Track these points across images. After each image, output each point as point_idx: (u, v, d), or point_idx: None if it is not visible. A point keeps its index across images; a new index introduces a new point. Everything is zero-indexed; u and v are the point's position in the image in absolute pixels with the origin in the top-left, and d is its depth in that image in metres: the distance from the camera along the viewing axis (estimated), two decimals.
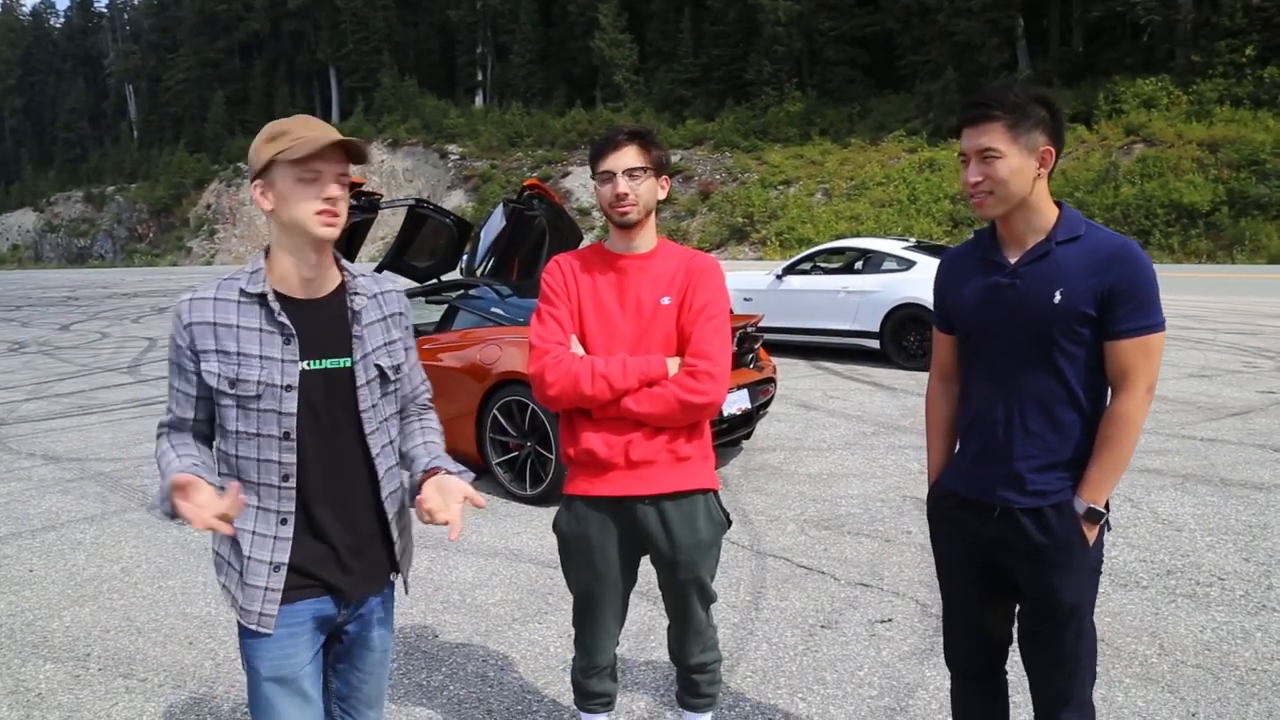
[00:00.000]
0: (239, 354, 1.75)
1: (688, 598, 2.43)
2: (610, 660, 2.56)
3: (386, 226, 37.82)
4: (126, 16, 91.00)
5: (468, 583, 4.22)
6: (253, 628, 1.79)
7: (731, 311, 3.13)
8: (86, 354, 13.83)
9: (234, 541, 1.81)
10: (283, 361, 1.77)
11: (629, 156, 2.27)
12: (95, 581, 4.37)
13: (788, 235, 34.50)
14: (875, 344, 10.09)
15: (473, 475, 1.90)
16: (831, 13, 42.52)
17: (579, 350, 2.33)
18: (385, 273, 6.59)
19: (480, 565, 4.44)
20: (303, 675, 1.85)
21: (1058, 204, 1.97)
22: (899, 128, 37.15)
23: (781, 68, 44.53)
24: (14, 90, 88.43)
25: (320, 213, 1.75)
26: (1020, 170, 1.88)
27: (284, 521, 1.80)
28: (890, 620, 3.64)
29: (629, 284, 2.34)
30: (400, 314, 1.98)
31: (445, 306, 6.65)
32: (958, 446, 2.17)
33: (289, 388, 1.78)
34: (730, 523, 2.46)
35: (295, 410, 1.78)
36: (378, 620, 1.99)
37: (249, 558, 1.79)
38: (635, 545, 2.40)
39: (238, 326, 1.76)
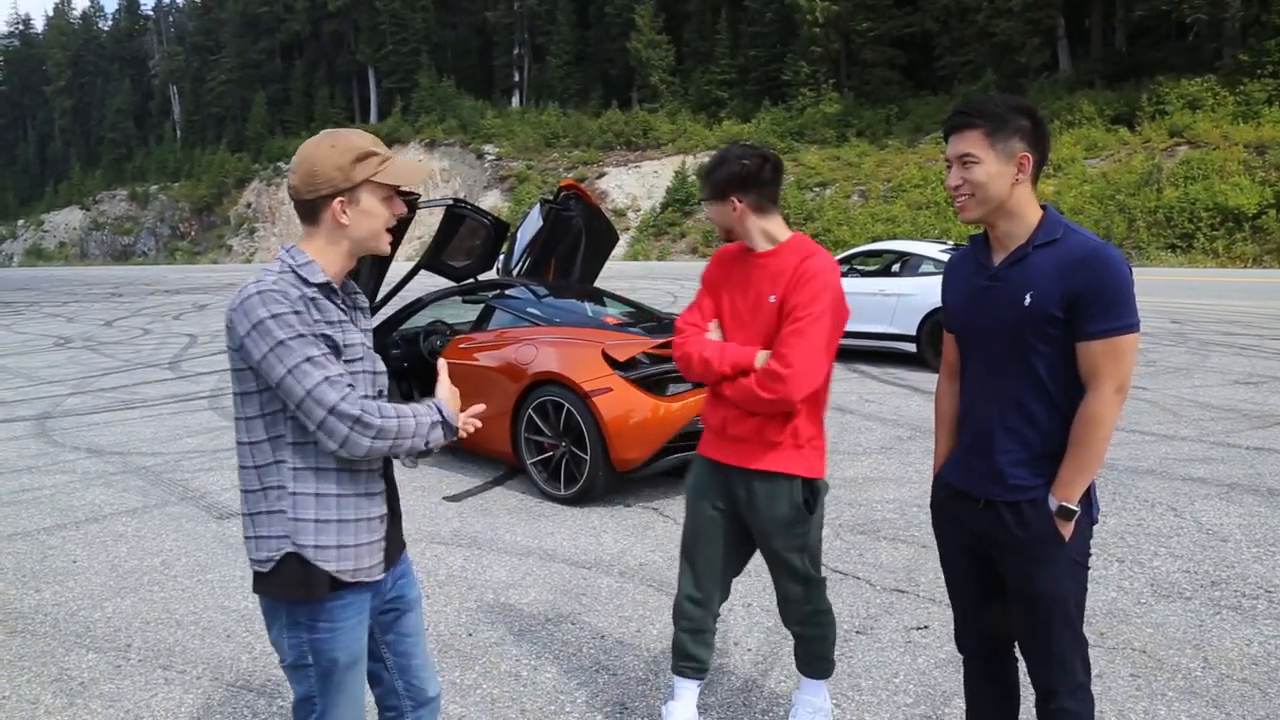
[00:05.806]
0: (337, 321, 1.85)
1: (778, 568, 2.68)
2: (699, 621, 2.75)
3: (424, 226, 38.14)
4: (172, 19, 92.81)
5: (501, 582, 4.23)
6: (365, 580, 1.87)
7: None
8: (129, 349, 14.09)
9: (337, 514, 1.84)
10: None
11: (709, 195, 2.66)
12: (136, 574, 4.44)
13: (824, 237, 34.31)
14: (912, 347, 9.99)
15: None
16: (870, 13, 42.22)
17: (716, 335, 2.66)
18: None
19: (514, 565, 4.45)
20: (365, 652, 1.96)
21: (1043, 208, 2.03)
22: (937, 129, 36.75)
23: (819, 69, 44.31)
24: (64, 92, 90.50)
25: (389, 230, 1.92)
26: (997, 175, 1.96)
27: (382, 475, 1.94)
28: (926, 627, 3.60)
29: (753, 280, 2.61)
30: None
31: (481, 306, 6.68)
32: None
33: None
34: (811, 511, 2.59)
35: (386, 369, 1.98)
36: (410, 578, 2.09)
37: (364, 519, 1.87)
38: (732, 508, 2.66)
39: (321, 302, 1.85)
